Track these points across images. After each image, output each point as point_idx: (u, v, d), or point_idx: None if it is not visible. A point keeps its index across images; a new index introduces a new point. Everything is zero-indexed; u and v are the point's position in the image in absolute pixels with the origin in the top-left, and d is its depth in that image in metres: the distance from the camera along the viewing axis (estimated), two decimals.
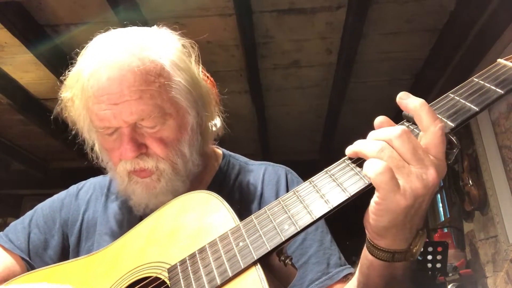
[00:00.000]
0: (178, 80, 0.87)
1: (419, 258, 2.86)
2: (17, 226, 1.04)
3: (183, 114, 0.89)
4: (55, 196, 1.10)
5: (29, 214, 1.07)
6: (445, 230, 4.17)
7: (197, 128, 0.92)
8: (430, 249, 2.87)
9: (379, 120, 0.65)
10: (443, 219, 4.58)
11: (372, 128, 0.67)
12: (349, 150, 0.64)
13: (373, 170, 0.58)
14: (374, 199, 0.59)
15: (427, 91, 3.70)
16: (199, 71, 0.96)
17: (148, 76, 0.83)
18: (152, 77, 0.84)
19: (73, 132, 0.96)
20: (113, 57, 0.83)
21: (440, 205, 4.66)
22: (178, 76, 0.87)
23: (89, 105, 0.86)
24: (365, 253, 0.67)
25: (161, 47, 0.88)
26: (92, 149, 0.97)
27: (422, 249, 0.64)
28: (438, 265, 2.86)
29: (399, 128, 0.59)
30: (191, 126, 0.91)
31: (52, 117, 0.97)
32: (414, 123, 0.64)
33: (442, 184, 4.36)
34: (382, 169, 0.57)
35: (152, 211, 0.87)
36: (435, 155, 0.59)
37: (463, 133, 3.45)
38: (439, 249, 2.86)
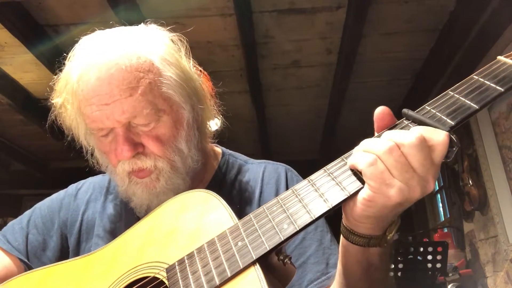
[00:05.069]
0: (169, 75, 0.86)
1: (419, 258, 2.85)
2: (15, 227, 1.03)
3: (177, 110, 0.88)
4: (54, 196, 1.09)
5: (27, 214, 1.06)
6: (445, 230, 4.17)
7: (193, 123, 0.91)
8: (430, 249, 2.86)
9: (380, 110, 0.65)
10: (443, 219, 4.57)
11: (373, 128, 0.66)
12: (356, 148, 0.63)
13: (364, 161, 0.59)
14: (365, 191, 0.60)
15: (427, 91, 3.69)
16: (191, 65, 0.94)
17: (137, 73, 0.82)
18: (141, 73, 0.83)
19: (69, 138, 0.95)
20: (101, 58, 0.82)
21: (440, 205, 4.65)
22: (168, 71, 0.86)
23: (81, 109, 0.86)
24: (341, 240, 0.69)
25: (148, 44, 0.87)
26: (92, 154, 0.96)
27: (394, 234, 0.66)
28: (438, 265, 2.85)
29: (415, 136, 0.57)
30: (187, 121, 0.90)
31: (47, 125, 0.95)
32: (413, 121, 0.64)
33: (442, 184, 4.36)
34: (373, 160, 0.58)
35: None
36: (437, 162, 0.59)
37: (463, 133, 3.45)
38: (439, 249, 2.85)
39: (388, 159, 0.58)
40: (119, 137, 0.84)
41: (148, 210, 0.89)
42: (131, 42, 0.86)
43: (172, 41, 0.92)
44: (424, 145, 0.58)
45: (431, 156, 0.58)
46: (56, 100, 0.91)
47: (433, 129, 0.60)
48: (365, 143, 0.62)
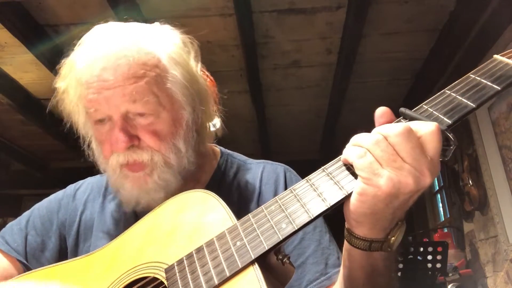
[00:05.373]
0: (175, 73, 0.87)
1: (419, 258, 2.85)
2: (14, 228, 1.03)
3: (178, 109, 0.89)
4: (52, 197, 1.09)
5: (25, 215, 1.05)
6: (445, 230, 4.17)
7: (192, 125, 0.91)
8: (430, 249, 2.86)
9: (381, 111, 0.65)
10: (443, 219, 4.57)
11: (372, 128, 0.67)
12: (348, 144, 0.64)
13: (354, 154, 0.60)
14: (358, 184, 0.60)
15: (427, 91, 3.69)
16: (198, 68, 0.95)
17: (144, 66, 0.83)
18: (148, 67, 0.84)
19: (68, 125, 0.95)
20: (109, 48, 0.83)
21: (440, 205, 4.65)
22: (174, 70, 0.87)
23: (82, 94, 0.86)
24: (345, 244, 0.69)
25: (158, 41, 0.88)
26: (89, 146, 0.95)
27: (400, 240, 0.65)
28: (438, 265, 2.85)
29: (402, 126, 0.59)
30: (186, 122, 0.90)
31: (47, 111, 0.96)
32: (410, 120, 0.64)
33: (442, 184, 4.36)
34: (363, 153, 0.59)
35: (143, 208, 0.87)
36: (431, 155, 0.59)
37: (463, 133, 3.45)
38: (439, 249, 2.85)
39: (375, 150, 0.59)
40: (116, 126, 0.84)
41: (137, 206, 0.89)
42: (142, 38, 0.87)
43: (183, 42, 0.93)
44: (411, 136, 0.58)
45: (422, 147, 0.58)
46: (60, 84, 0.91)
47: (423, 122, 0.61)
48: (356, 138, 0.63)
